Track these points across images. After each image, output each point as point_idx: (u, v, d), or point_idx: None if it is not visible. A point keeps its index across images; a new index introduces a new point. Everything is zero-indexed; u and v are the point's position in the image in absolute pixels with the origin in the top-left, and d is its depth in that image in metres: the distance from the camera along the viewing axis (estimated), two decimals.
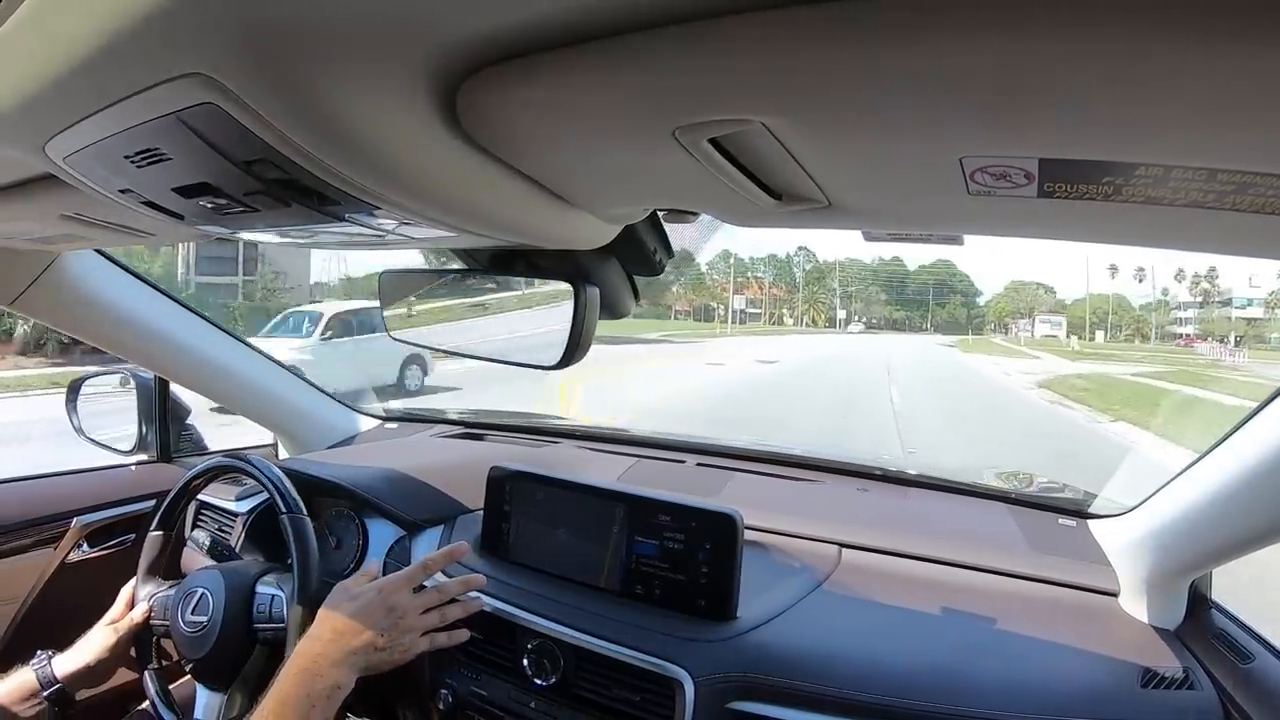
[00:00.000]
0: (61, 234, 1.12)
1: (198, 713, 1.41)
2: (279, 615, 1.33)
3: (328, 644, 1.12)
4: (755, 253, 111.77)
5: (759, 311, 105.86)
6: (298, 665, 1.10)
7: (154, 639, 1.48)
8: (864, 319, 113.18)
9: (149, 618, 1.46)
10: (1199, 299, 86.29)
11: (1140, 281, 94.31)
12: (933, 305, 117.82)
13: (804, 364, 27.42)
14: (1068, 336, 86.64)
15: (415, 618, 1.20)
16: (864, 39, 0.37)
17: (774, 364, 25.64)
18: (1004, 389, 22.59)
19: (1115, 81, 0.35)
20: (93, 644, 1.41)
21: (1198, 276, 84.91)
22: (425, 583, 1.27)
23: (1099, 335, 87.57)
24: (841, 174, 0.56)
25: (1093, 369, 32.48)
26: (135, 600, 1.50)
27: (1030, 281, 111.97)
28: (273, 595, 1.36)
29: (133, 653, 1.46)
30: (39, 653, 1.37)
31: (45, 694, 1.32)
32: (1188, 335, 79.98)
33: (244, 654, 1.35)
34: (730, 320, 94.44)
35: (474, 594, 1.30)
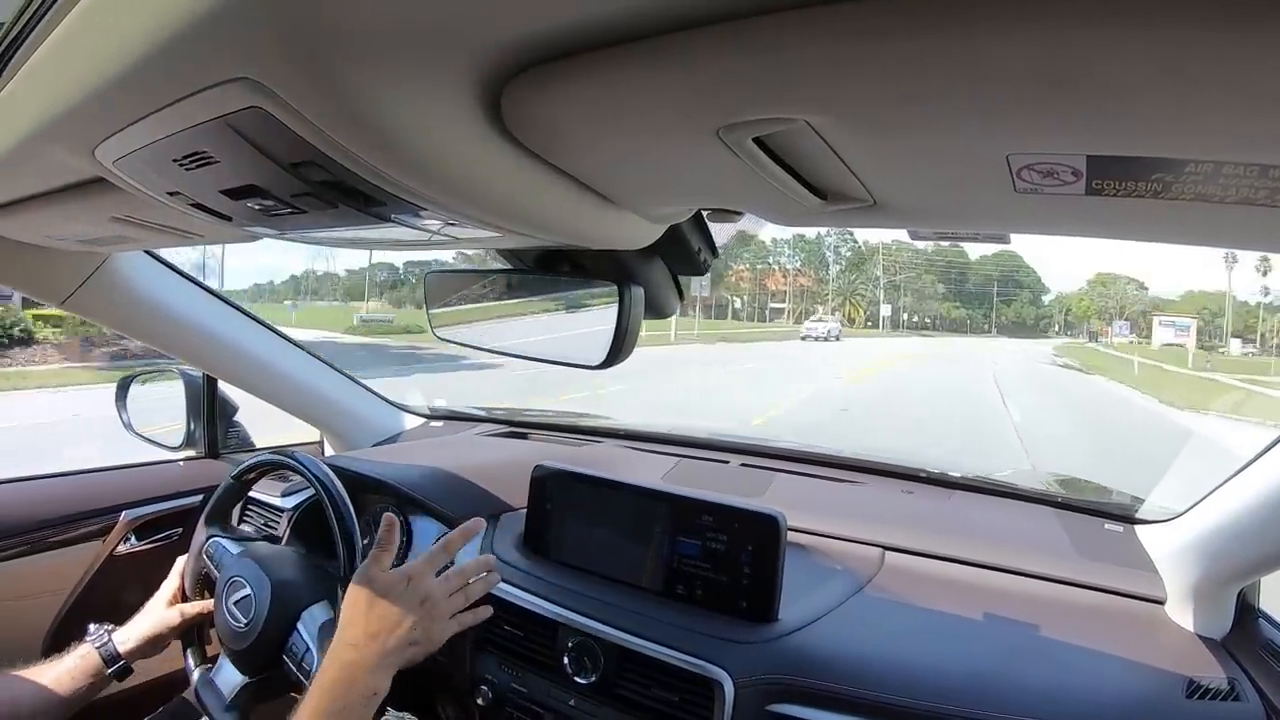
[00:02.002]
0: (111, 236, 1.14)
1: (214, 675, 1.44)
2: (307, 668, 1.31)
3: (362, 650, 1.09)
4: (780, 233, 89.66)
5: (782, 306, 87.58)
6: (331, 676, 1.07)
7: (202, 626, 1.52)
8: (919, 315, 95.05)
9: (203, 612, 1.49)
10: None
11: (1265, 274, 70.89)
12: (997, 302, 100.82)
13: None
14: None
15: (444, 602, 1.18)
16: (909, 35, 0.36)
17: None
18: None
19: (1165, 76, 0.34)
20: (151, 618, 1.45)
21: None
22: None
23: (1233, 345, 64.57)
24: (887, 173, 0.56)
25: None
26: (191, 546, 1.55)
27: (1119, 275, 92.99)
28: (307, 648, 1.34)
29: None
30: (93, 628, 1.40)
31: (110, 670, 1.35)
32: None
33: (272, 665, 1.36)
34: (710, 314, 71.61)
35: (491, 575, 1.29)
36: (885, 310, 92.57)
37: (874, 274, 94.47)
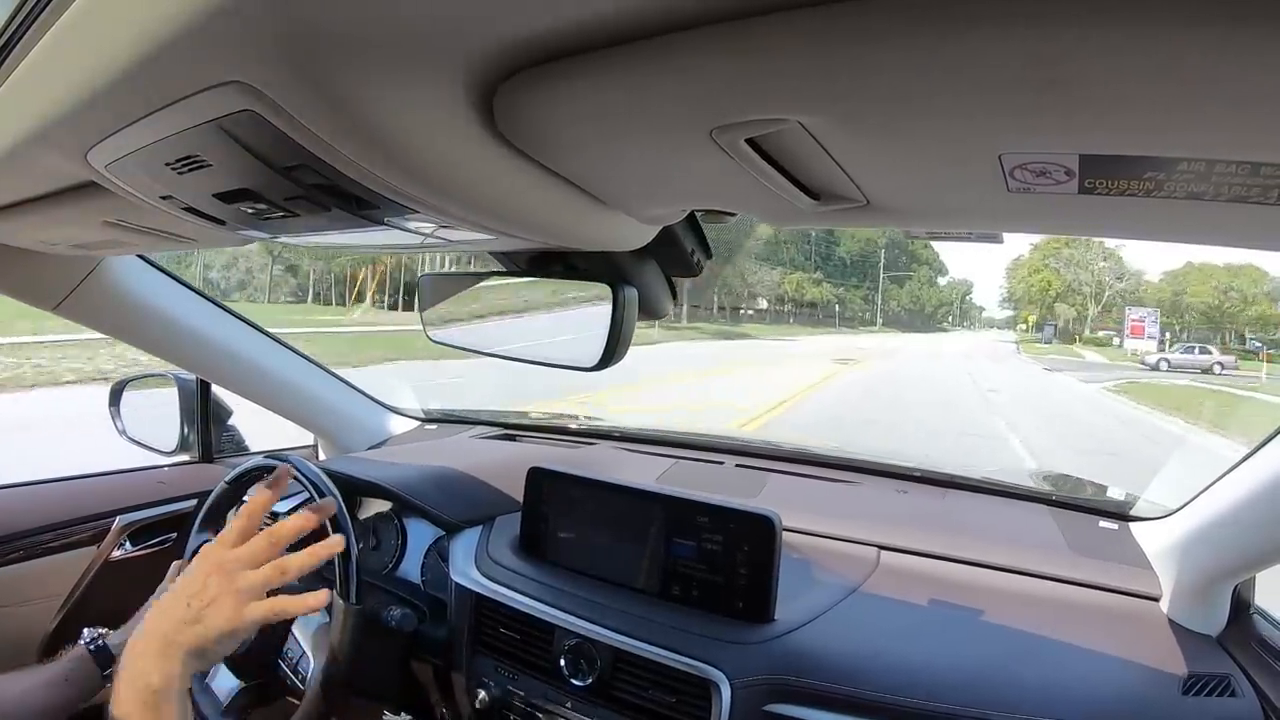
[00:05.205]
0: (104, 240, 1.13)
1: (211, 680, 1.44)
2: (302, 673, 1.31)
3: (135, 646, 0.92)
4: None
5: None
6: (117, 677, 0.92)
7: None
8: (742, 293, 56.72)
9: None
10: None
11: None
12: (885, 282, 73.42)
13: None
14: None
15: (235, 578, 0.95)
16: (901, 36, 0.36)
17: None
18: None
19: (1156, 76, 0.35)
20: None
21: None
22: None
23: None
24: (879, 173, 0.56)
25: None
26: (186, 551, 1.52)
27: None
28: (302, 653, 1.34)
29: None
30: (87, 632, 1.39)
31: (105, 673, 1.35)
32: None
33: (267, 670, 1.36)
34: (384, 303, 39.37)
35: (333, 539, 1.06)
36: None
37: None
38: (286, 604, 0.97)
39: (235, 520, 1.02)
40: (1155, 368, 32.81)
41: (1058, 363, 34.49)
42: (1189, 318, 55.92)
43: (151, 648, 0.90)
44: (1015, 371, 27.16)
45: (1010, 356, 38.95)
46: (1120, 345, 48.96)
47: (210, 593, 0.94)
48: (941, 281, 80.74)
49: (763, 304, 61.21)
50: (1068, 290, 62.64)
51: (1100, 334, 56.78)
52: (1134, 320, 49.69)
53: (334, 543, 1.04)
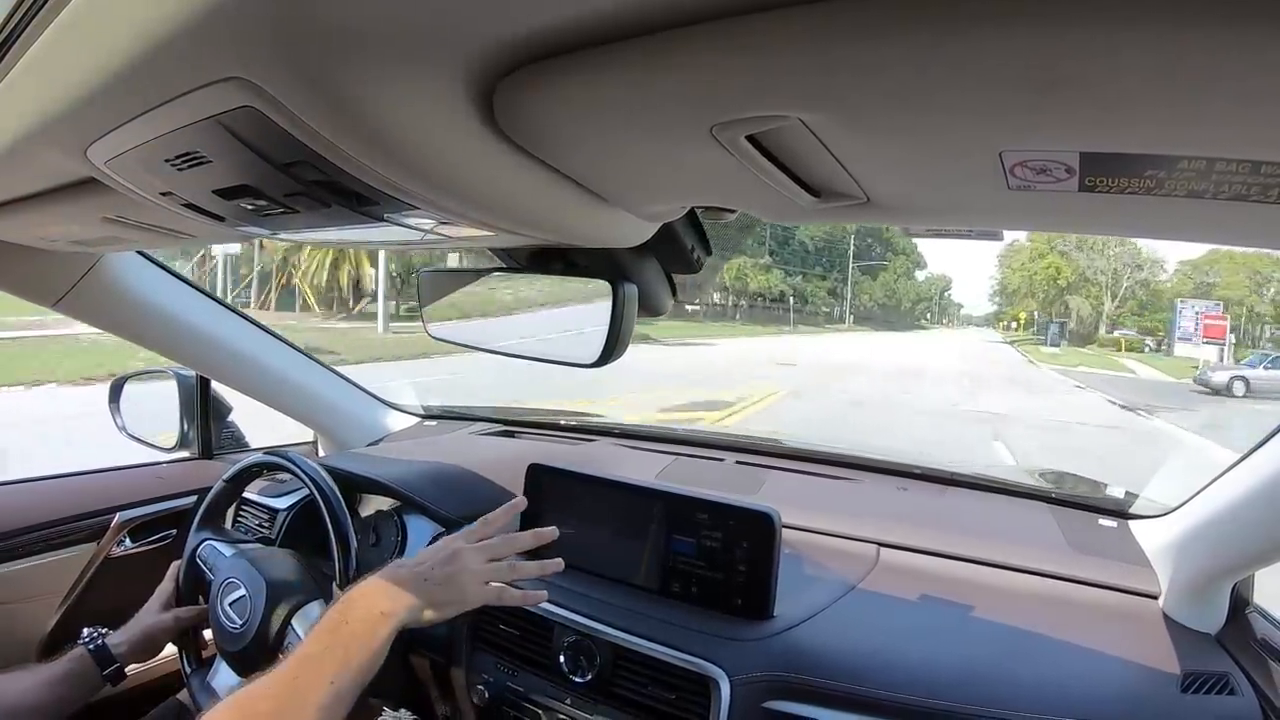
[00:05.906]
0: (103, 236, 1.13)
1: (212, 678, 1.45)
2: None
3: (373, 580, 1.06)
4: None
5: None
6: (339, 600, 1.04)
7: (197, 628, 1.51)
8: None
9: (198, 616, 1.48)
10: None
11: None
12: (855, 272, 62.78)
13: None
14: None
15: (476, 562, 1.11)
16: (901, 33, 0.36)
17: None
18: None
19: (1158, 75, 0.35)
20: (145, 623, 1.45)
21: None
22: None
23: None
24: (879, 171, 0.56)
25: None
26: (185, 549, 1.53)
27: None
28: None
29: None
30: (87, 631, 1.39)
31: (104, 673, 1.35)
32: None
33: (267, 665, 1.36)
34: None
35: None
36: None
37: None
38: (510, 595, 1.15)
39: (475, 525, 1.19)
40: (1226, 390, 20.60)
41: (1095, 381, 22.70)
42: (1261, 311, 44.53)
43: (379, 586, 1.05)
44: (1087, 419, 14.60)
45: (1031, 372, 27.09)
46: (1160, 350, 38.68)
47: (454, 565, 1.10)
48: (920, 276, 72.18)
49: (715, 297, 51.09)
50: (1080, 279, 51.99)
51: (1118, 334, 46.49)
52: (1207, 317, 35.35)
53: (548, 533, 1.20)
